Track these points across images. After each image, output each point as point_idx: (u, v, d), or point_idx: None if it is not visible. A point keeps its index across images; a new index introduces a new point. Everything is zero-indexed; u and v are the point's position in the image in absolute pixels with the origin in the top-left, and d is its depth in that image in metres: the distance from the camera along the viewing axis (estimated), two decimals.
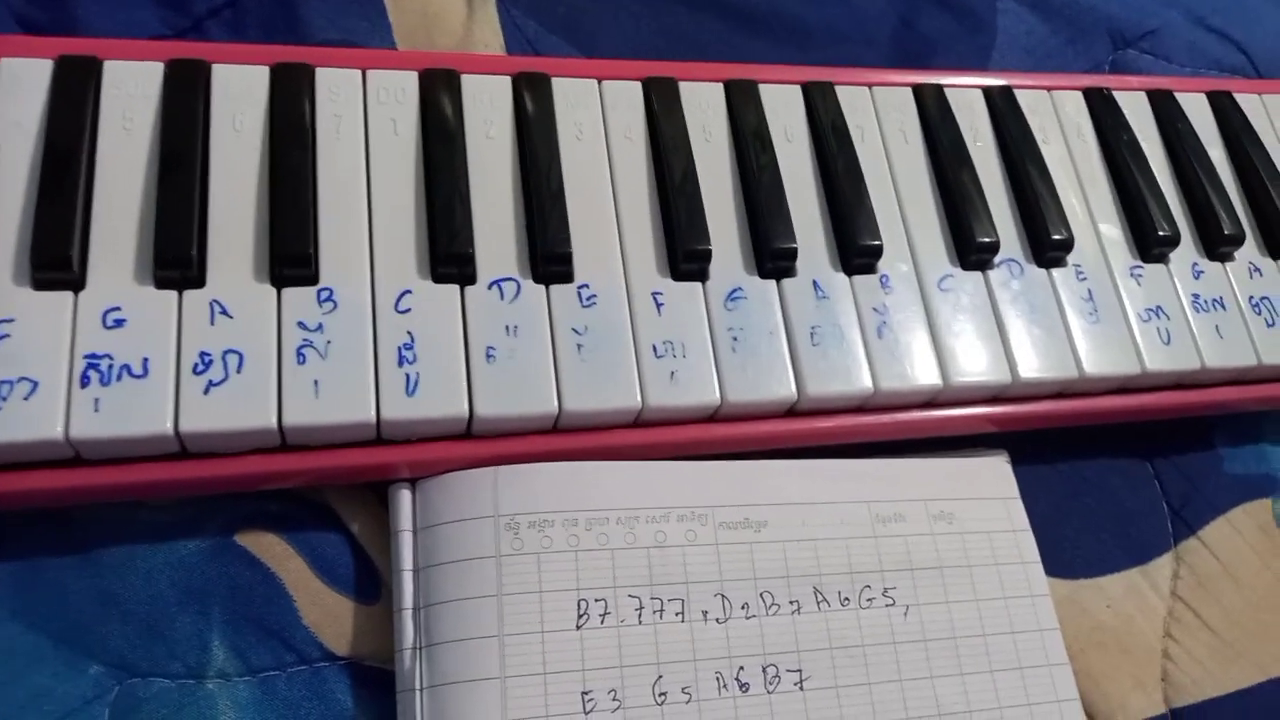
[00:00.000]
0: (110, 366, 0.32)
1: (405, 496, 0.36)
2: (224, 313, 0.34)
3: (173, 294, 0.34)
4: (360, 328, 0.35)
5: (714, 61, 0.46)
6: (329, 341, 0.34)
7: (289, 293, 0.35)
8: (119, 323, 0.33)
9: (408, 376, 0.34)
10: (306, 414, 0.33)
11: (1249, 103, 0.52)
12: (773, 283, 0.40)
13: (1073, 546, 0.45)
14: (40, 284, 0.33)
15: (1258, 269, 0.47)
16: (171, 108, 0.36)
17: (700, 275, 0.39)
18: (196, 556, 0.36)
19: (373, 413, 0.34)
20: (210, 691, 0.34)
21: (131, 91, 0.36)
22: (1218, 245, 0.47)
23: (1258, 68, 0.63)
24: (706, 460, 0.39)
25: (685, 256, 0.39)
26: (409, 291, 0.36)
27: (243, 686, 0.35)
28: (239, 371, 0.33)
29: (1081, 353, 0.42)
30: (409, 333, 0.35)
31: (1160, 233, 0.45)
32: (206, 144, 0.36)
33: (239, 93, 0.37)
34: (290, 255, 0.34)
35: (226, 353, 0.33)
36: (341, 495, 0.38)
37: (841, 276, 0.41)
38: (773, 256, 0.40)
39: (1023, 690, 0.38)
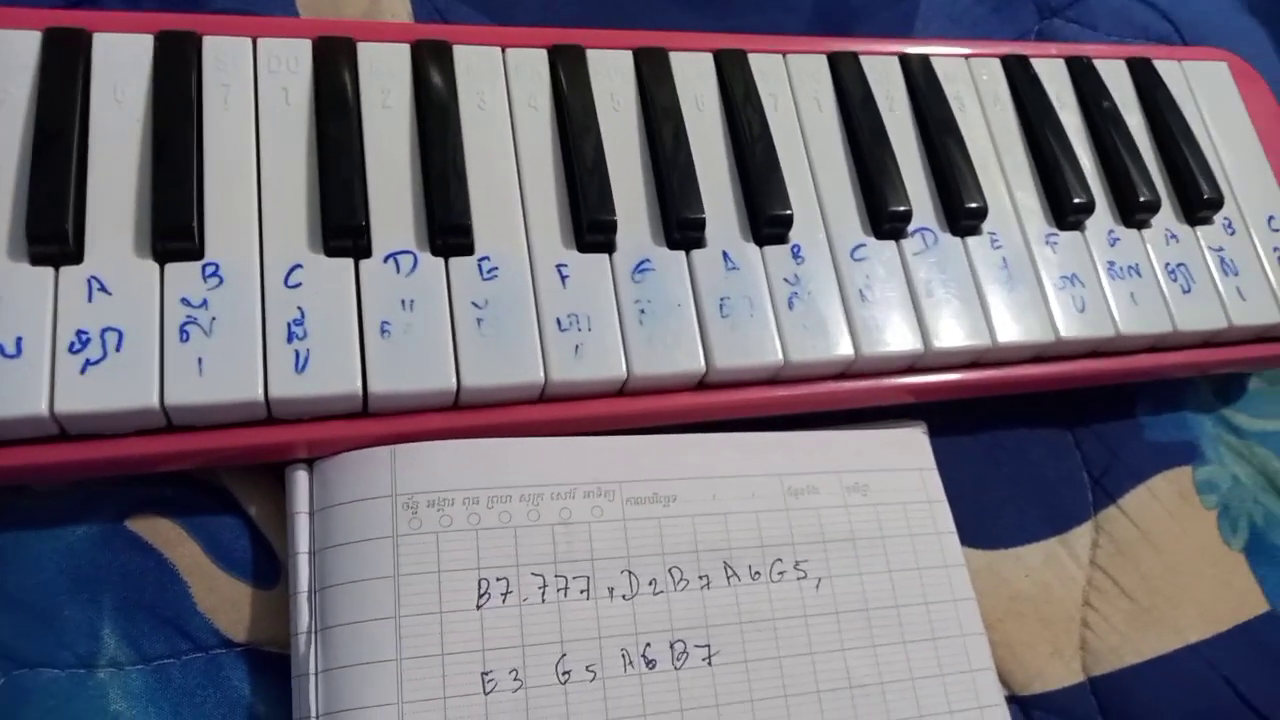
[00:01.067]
0: None
1: (302, 477, 0.35)
2: (103, 289, 0.32)
3: (49, 270, 0.32)
4: (248, 304, 0.33)
5: (628, 29, 0.45)
6: (214, 318, 0.33)
7: (172, 268, 0.33)
8: None
9: (297, 353, 0.33)
10: (190, 393, 0.32)
11: (1169, 70, 0.52)
12: (681, 254, 0.39)
13: (992, 517, 0.45)
14: None
15: (1174, 235, 0.47)
16: (49, 78, 0.35)
17: (606, 247, 0.39)
18: (86, 543, 0.35)
19: (260, 391, 0.32)
20: (101, 681, 0.33)
21: (8, 61, 0.35)
22: (1134, 212, 0.46)
23: (1183, 35, 0.62)
24: (614, 435, 0.38)
25: (591, 227, 0.38)
26: (299, 266, 0.35)
27: (135, 675, 0.34)
28: (118, 350, 0.32)
29: (996, 321, 0.42)
30: (299, 308, 0.34)
31: (1076, 200, 0.45)
32: (86, 116, 0.35)
33: (122, 63, 0.36)
34: (172, 228, 0.33)
35: (105, 330, 0.32)
36: (239, 479, 0.37)
37: (752, 247, 0.40)
38: (681, 226, 0.39)
39: (936, 660, 0.38)
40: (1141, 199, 0.46)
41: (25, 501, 0.35)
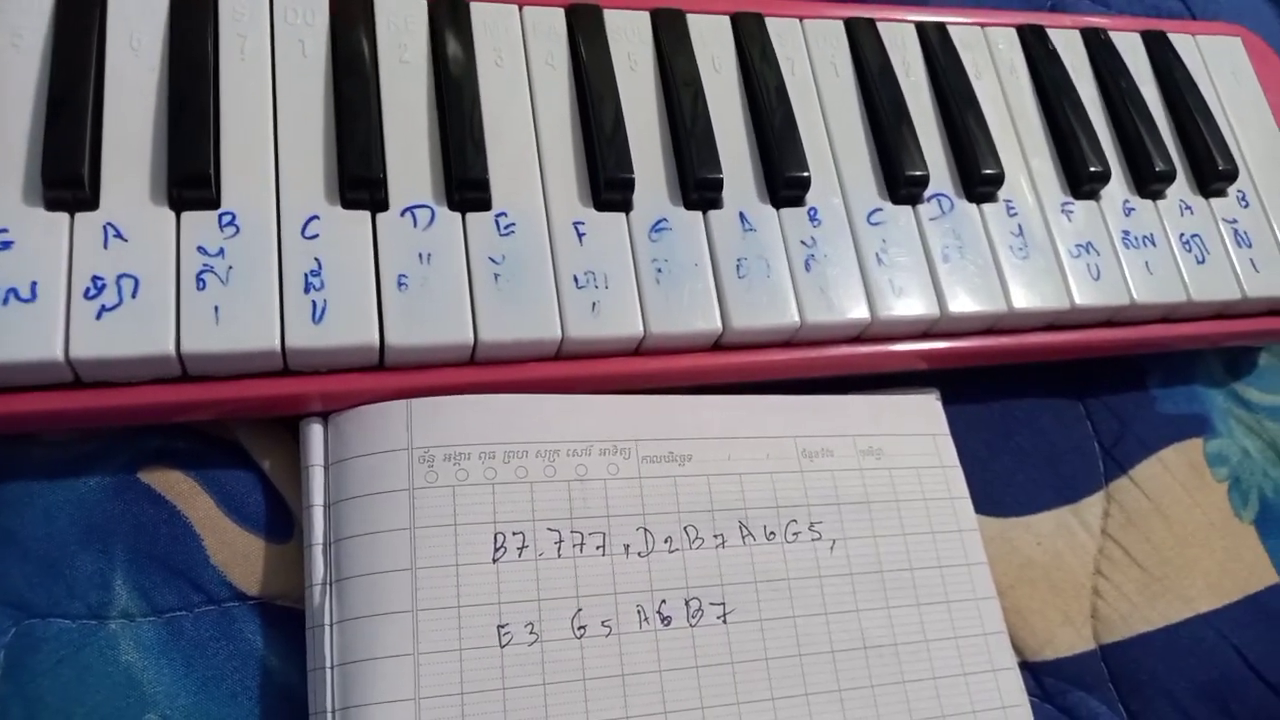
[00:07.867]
0: None
1: (317, 431, 0.35)
2: (119, 236, 0.32)
3: (64, 216, 0.32)
4: (264, 253, 0.33)
5: None
6: (231, 267, 0.33)
7: (188, 216, 0.33)
8: (5, 245, 0.31)
9: (314, 304, 0.33)
10: (206, 341, 0.32)
11: (1183, 44, 0.52)
12: (699, 214, 0.39)
13: (1004, 485, 0.45)
14: None
15: (1188, 207, 0.47)
16: (65, 24, 0.34)
17: (624, 205, 0.38)
18: (98, 494, 0.34)
19: (277, 340, 0.32)
20: (113, 632, 0.33)
21: (23, 6, 0.34)
22: (1149, 182, 0.46)
23: (1194, 12, 0.62)
24: (629, 395, 0.38)
25: (608, 185, 0.38)
26: (316, 217, 0.34)
27: (147, 627, 0.33)
28: (134, 296, 0.31)
29: (1011, 287, 0.42)
30: (316, 259, 0.34)
31: (1091, 169, 0.45)
32: (102, 64, 0.34)
33: (137, 10, 0.36)
34: (188, 176, 0.33)
35: (121, 277, 0.31)
36: (253, 433, 0.37)
37: (769, 209, 0.40)
38: (698, 187, 0.39)
39: (949, 623, 0.38)
40: (1157, 169, 0.46)
41: (36, 452, 0.35)
